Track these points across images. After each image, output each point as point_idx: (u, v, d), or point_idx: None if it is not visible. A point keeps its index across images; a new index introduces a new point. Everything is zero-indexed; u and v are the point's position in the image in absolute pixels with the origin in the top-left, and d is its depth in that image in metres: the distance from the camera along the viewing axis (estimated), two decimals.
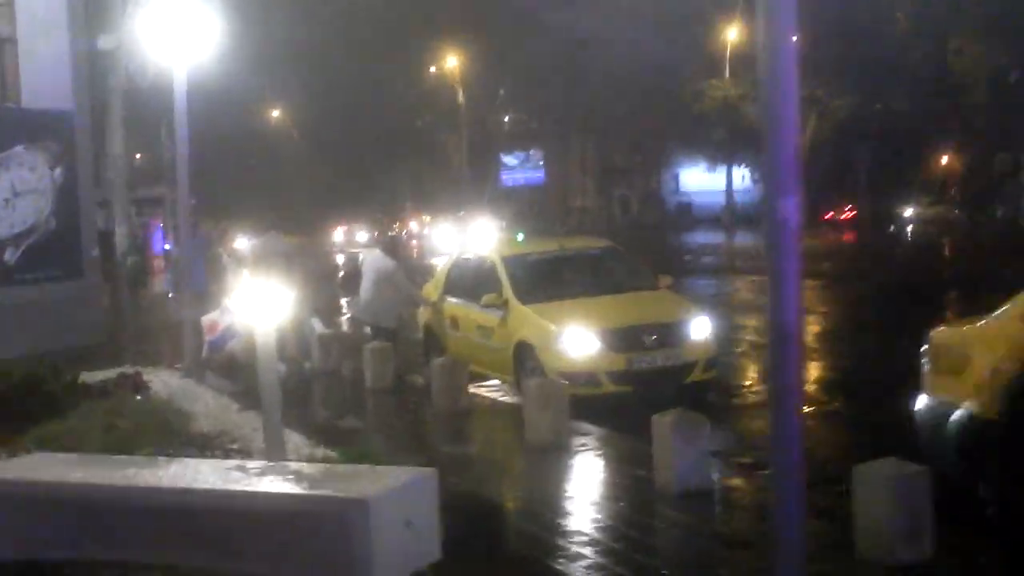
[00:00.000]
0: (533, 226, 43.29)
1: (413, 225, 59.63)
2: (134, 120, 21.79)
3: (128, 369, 11.95)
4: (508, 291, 12.39)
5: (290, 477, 5.45)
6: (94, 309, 17.95)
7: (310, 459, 7.68)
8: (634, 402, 10.56)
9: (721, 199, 57.25)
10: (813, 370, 13.44)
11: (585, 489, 7.96)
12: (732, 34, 49.82)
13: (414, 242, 50.94)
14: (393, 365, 12.64)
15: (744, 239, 41.53)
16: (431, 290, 14.25)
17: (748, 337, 16.76)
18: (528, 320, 11.91)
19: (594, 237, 16.10)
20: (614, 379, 11.21)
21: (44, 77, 17.24)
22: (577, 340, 11.32)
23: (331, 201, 57.60)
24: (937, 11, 40.58)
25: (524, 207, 58.31)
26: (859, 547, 6.00)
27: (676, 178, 70.48)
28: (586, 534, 6.72)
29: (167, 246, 30.97)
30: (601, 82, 52.03)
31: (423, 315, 14.26)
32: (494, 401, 11.97)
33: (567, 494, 7.79)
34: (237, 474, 5.61)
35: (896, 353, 11.67)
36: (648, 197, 69.71)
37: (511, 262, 13.05)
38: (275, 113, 61.32)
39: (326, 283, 18.97)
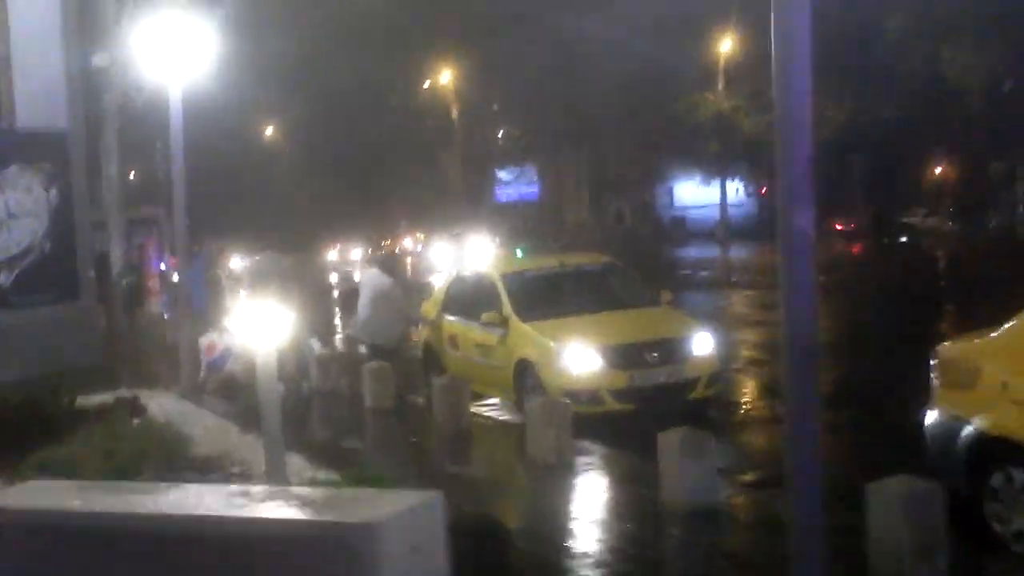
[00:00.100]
0: (527, 242, 43.22)
1: (407, 242, 59.59)
2: (128, 138, 21.72)
3: (125, 392, 11.84)
4: (508, 308, 12.28)
5: (294, 502, 5.34)
6: (90, 331, 17.80)
7: (312, 482, 7.57)
8: (636, 420, 10.47)
9: (714, 213, 57.34)
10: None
11: (591, 508, 7.87)
12: (726, 46, 49.97)
13: (408, 259, 50.88)
14: (393, 384, 12.49)
15: (738, 253, 41.50)
16: (429, 308, 14.13)
17: (747, 352, 16.67)
18: (528, 338, 11.81)
19: (594, 253, 15.97)
20: (616, 397, 11.11)
21: (38, 96, 17.12)
22: (579, 358, 11.22)
23: (325, 219, 57.52)
24: (930, 21, 40.65)
25: (519, 222, 58.23)
26: (872, 564, 5.92)
27: (670, 192, 70.47)
28: (594, 556, 6.62)
29: (163, 266, 30.86)
30: (594, 95, 52.04)
31: (422, 333, 14.15)
32: (495, 420, 11.86)
33: (573, 514, 7.70)
34: (240, 499, 5.49)
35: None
36: (642, 211, 69.71)
37: (510, 279, 12.93)
38: (268, 130, 61.31)
39: (322, 301, 18.90)
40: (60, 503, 5.67)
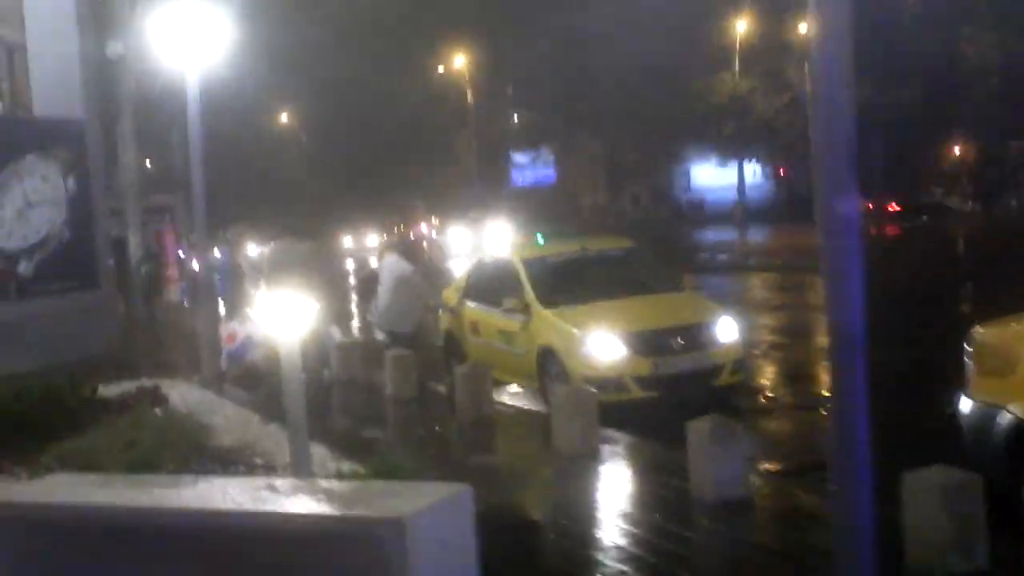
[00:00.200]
0: (546, 227, 43.01)
1: (423, 227, 59.42)
2: (144, 126, 21.67)
3: (146, 382, 11.75)
4: (530, 295, 12.14)
5: (321, 496, 5.23)
6: (109, 320, 17.79)
7: (337, 474, 7.49)
8: (661, 407, 10.35)
9: (731, 195, 57.07)
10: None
11: (619, 500, 7.75)
12: (741, 27, 49.68)
13: (424, 244, 50.72)
14: (415, 373, 12.34)
15: (756, 235, 41.24)
16: (451, 295, 14.00)
17: (768, 337, 16.52)
18: (551, 324, 11.67)
19: (616, 237, 15.79)
20: (641, 384, 10.96)
21: (54, 84, 17.09)
22: (602, 344, 11.08)
23: (341, 204, 57.41)
24: (949, 1, 40.32)
25: (536, 207, 58.05)
26: (909, 556, 5.79)
27: (687, 174, 70.19)
28: (624, 548, 6.50)
29: (181, 254, 30.86)
30: (609, 78, 51.77)
31: (443, 321, 14.03)
32: (518, 409, 11.72)
33: (601, 506, 7.58)
34: (266, 493, 5.39)
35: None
36: (659, 193, 69.49)
37: (532, 265, 12.75)
38: (283, 117, 61.22)
39: (340, 288, 18.79)
40: (84, 497, 5.59)
